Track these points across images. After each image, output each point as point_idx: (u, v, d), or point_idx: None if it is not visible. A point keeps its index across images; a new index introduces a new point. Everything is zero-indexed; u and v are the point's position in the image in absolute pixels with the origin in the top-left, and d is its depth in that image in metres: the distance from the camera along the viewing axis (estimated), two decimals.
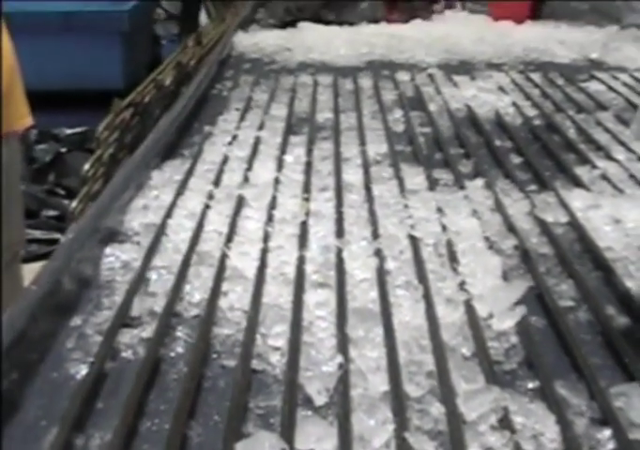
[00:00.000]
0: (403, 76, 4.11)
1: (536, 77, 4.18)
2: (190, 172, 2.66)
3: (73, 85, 6.70)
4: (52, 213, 4.33)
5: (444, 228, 2.18)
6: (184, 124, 3.27)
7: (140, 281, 1.87)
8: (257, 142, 2.97)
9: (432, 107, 3.51)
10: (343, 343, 1.60)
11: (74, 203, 2.94)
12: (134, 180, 2.55)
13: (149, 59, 7.88)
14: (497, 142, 3.07)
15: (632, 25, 5.84)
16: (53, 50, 6.77)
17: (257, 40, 5.10)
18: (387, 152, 2.87)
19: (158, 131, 2.95)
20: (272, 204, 2.35)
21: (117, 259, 2.01)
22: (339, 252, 2.01)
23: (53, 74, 6.74)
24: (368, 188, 2.49)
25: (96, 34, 6.77)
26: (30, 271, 3.32)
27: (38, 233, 4.33)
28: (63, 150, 5.01)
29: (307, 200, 2.38)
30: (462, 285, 1.85)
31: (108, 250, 2.03)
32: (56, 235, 4.35)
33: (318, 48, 4.75)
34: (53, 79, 6.76)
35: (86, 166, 3.07)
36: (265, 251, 2.03)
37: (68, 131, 5.28)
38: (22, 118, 3.15)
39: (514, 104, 3.60)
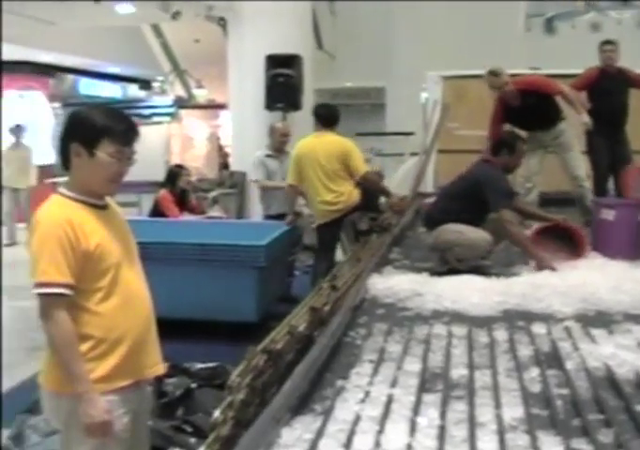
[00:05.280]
0: (539, 328, 4.04)
1: None
2: (320, 432, 2.62)
3: (207, 316, 6.86)
4: None
5: None
6: (316, 375, 3.26)
7: None
8: (390, 400, 2.92)
9: (569, 365, 3.41)
10: None
11: (202, 449, 2.92)
12: (264, 438, 2.54)
13: (282, 292, 8.03)
14: (639, 407, 2.92)
15: None
16: (188, 280, 6.99)
17: (391, 284, 5.13)
18: (523, 416, 2.77)
19: (291, 384, 2.95)
20: None
21: None
22: None
23: (188, 304, 6.92)
24: None
25: (232, 267, 7.01)
26: None
27: None
28: (193, 386, 5.04)
29: None
30: None
31: None
32: None
33: (450, 296, 4.74)
34: (187, 309, 6.93)
35: (217, 412, 3.05)
36: None
37: (199, 366, 5.31)
38: (155, 366, 3.21)
39: None
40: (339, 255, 8.13)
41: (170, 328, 6.64)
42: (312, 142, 7.45)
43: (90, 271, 2.89)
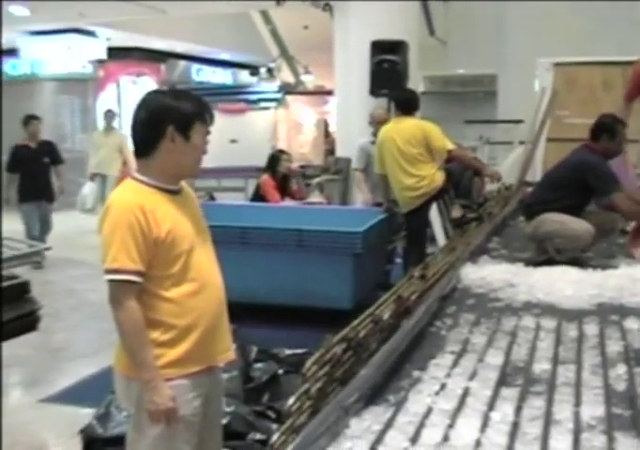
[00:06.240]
0: (631, 323, 3.89)
1: None
2: (389, 424, 2.57)
3: (302, 302, 6.89)
4: (259, 436, 4.27)
5: None
6: (395, 364, 3.21)
7: None
8: (465, 393, 2.85)
9: None
10: None
11: (275, 436, 2.89)
12: (330, 428, 2.50)
13: (381, 279, 7.96)
14: None
15: None
16: (285, 265, 7.05)
17: (485, 274, 5.04)
18: (602, 415, 2.66)
19: (363, 374, 2.91)
20: None
21: None
22: None
23: (284, 289, 6.96)
24: None
25: (328, 253, 6.95)
26: None
27: None
28: (280, 371, 5.00)
29: None
30: None
31: None
32: None
33: (543, 287, 4.62)
34: (283, 294, 6.96)
35: (291, 400, 3.02)
36: None
37: (288, 352, 5.22)
38: (226, 352, 3.21)
39: None
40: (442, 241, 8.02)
41: (265, 313, 6.75)
42: (391, 129, 7.40)
43: (162, 257, 2.88)
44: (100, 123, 15.35)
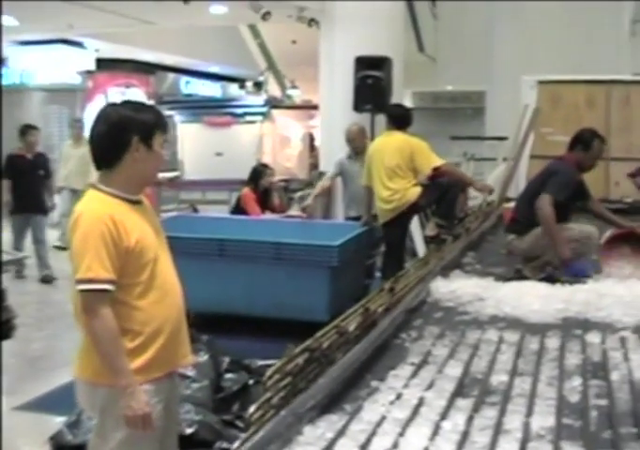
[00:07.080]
0: (593, 337, 3.94)
1: None
2: (342, 432, 2.62)
3: (279, 314, 6.95)
4: (225, 445, 4.32)
5: None
6: (354, 375, 3.26)
7: None
8: (420, 403, 2.90)
9: (614, 376, 3.31)
10: None
11: (236, 444, 2.93)
12: (284, 434, 2.55)
13: (359, 292, 7.98)
14: None
15: None
16: (262, 278, 7.10)
17: (455, 288, 5.08)
18: (552, 426, 2.71)
19: (320, 383, 2.95)
20: None
21: None
22: None
23: (261, 302, 7.02)
24: None
25: (305, 266, 7.02)
26: None
27: None
28: (251, 382, 5.06)
29: None
30: None
31: None
32: None
33: (511, 301, 4.67)
34: (260, 306, 7.02)
35: (252, 409, 3.07)
36: None
37: (260, 363, 5.32)
38: (186, 357, 3.28)
39: None
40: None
41: (242, 325, 6.79)
42: (382, 142, 7.57)
43: (131, 266, 2.95)
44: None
